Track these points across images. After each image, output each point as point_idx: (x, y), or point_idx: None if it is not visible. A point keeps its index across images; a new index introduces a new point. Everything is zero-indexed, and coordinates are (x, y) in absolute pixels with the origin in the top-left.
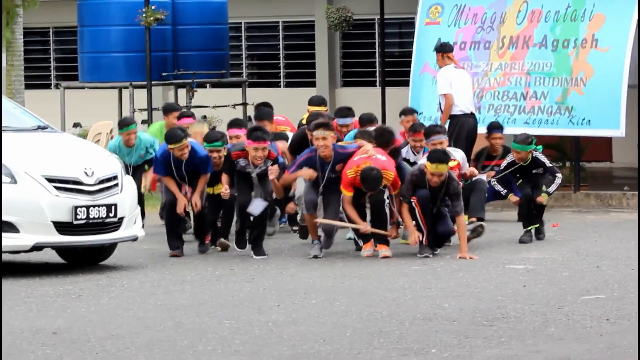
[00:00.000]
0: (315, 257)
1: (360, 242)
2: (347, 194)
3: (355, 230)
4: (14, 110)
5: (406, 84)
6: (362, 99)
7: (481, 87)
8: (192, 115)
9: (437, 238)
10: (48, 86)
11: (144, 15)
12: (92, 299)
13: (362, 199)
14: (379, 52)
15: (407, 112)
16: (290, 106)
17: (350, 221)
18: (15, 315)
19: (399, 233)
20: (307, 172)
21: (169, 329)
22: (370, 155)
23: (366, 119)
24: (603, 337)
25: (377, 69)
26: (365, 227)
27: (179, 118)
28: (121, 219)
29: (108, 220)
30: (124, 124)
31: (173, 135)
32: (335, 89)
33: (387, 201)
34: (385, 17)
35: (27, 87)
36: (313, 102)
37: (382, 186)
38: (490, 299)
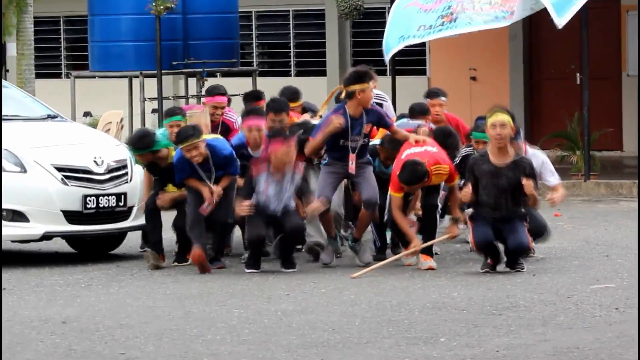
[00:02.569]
0: (326, 265)
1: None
2: (395, 195)
3: (402, 239)
4: (24, 100)
5: (417, 72)
6: None
7: (464, 7)
8: (225, 93)
9: (510, 256)
10: (58, 75)
11: (154, 4)
12: (102, 288)
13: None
14: None
15: (433, 94)
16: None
17: (397, 234)
18: (25, 305)
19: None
20: (337, 120)
21: (178, 318)
22: (420, 145)
23: (419, 110)
24: (612, 326)
25: None
26: (417, 245)
27: (212, 95)
28: (131, 207)
29: (118, 209)
30: (170, 113)
31: (179, 133)
32: None
33: (439, 206)
34: None
35: (38, 76)
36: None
37: (437, 183)
38: (499, 288)
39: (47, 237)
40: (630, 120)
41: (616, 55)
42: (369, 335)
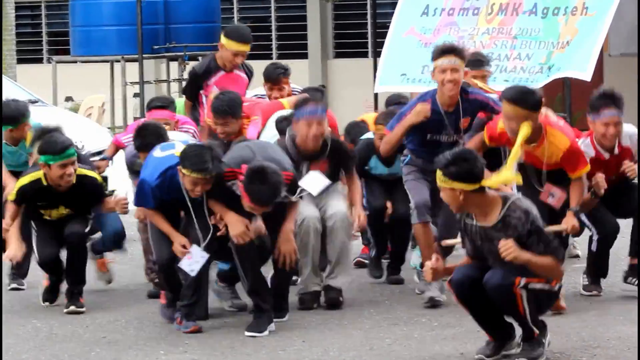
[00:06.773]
0: (432, 299)
1: None
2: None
3: None
4: (5, 85)
5: None
6: (354, 70)
7: (465, 49)
8: (168, 107)
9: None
10: (40, 60)
11: None
12: None
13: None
14: (371, 23)
15: (477, 63)
16: None
17: None
18: (5, 289)
19: None
20: (423, 109)
21: (159, 301)
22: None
23: None
24: (592, 304)
25: (369, 40)
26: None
27: (148, 109)
28: (112, 192)
29: None
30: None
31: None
32: (327, 60)
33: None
34: None
35: (19, 61)
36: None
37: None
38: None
39: None
40: None
41: None
42: (350, 316)
